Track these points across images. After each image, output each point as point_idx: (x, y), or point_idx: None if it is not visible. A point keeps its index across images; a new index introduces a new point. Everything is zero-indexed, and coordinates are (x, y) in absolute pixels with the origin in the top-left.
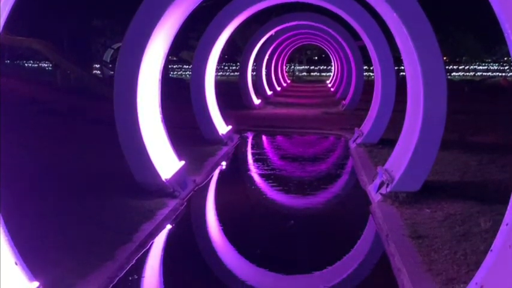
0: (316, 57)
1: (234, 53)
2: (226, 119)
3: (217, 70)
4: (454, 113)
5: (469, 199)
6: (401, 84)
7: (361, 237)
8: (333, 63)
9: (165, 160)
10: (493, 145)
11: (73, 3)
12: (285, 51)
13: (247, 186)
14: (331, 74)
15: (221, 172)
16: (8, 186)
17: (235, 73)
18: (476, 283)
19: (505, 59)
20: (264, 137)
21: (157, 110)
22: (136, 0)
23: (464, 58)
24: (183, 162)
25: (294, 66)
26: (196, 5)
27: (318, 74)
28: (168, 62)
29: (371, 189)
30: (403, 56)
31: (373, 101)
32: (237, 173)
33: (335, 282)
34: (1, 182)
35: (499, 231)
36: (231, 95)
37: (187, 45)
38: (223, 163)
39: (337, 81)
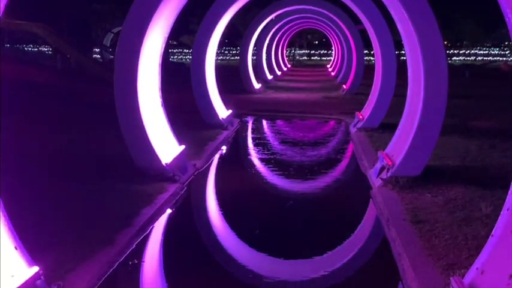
0: (316, 42)
1: (234, 38)
2: (227, 104)
3: (217, 54)
4: (455, 98)
5: (469, 184)
6: (402, 69)
7: (361, 222)
8: (333, 48)
9: (165, 144)
10: (493, 130)
11: None
12: (286, 35)
13: (247, 170)
14: (332, 59)
15: (221, 156)
16: (7, 170)
17: (236, 57)
18: (477, 268)
19: (506, 43)
20: (264, 122)
21: (157, 94)
22: None
23: (465, 43)
24: (183, 147)
25: (295, 50)
26: None
27: (319, 58)
28: (168, 46)
29: (371, 173)
30: (404, 40)
31: (373, 86)
32: (238, 158)
33: (335, 267)
34: (1, 166)
35: (499, 216)
36: (231, 79)
37: (188, 30)
38: (224, 147)
39: (338, 66)
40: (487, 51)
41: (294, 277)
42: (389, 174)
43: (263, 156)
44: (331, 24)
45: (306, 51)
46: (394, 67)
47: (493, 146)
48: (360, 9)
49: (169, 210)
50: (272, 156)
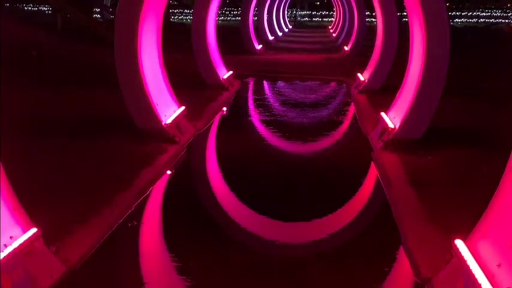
0: (318, 3)
1: None
2: (227, 64)
3: (218, 15)
4: (457, 60)
5: (471, 146)
6: (404, 30)
7: (362, 185)
8: (335, 9)
9: (166, 105)
10: (495, 92)
11: None
12: None
13: (248, 132)
14: (333, 20)
15: (222, 118)
16: (8, 130)
17: (237, 18)
18: (480, 230)
19: (508, 5)
20: (265, 83)
21: (158, 55)
22: None
23: (467, 4)
24: (183, 108)
25: (296, 11)
26: None
27: (320, 19)
28: (169, 6)
29: (373, 136)
30: (406, 1)
31: (375, 47)
32: (238, 119)
33: (335, 229)
34: (1, 128)
35: (502, 178)
36: (232, 40)
37: None
38: (224, 108)
39: (339, 27)
40: (489, 13)
41: (294, 240)
42: (390, 136)
43: (264, 118)
44: None
45: (308, 12)
46: (396, 28)
47: (495, 108)
48: None
49: (169, 172)
50: (273, 118)
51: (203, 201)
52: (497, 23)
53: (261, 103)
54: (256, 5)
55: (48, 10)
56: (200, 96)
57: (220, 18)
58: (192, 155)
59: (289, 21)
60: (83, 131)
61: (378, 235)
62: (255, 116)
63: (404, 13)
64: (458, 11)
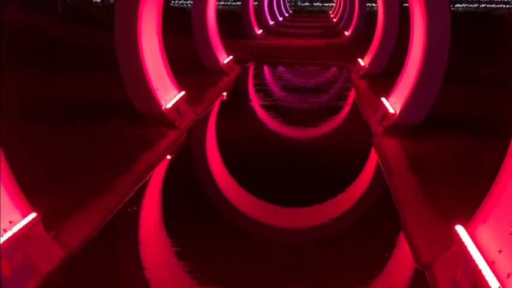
0: None
1: None
2: (228, 49)
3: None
4: (458, 46)
5: (472, 132)
6: (404, 15)
7: (362, 170)
8: None
9: (166, 90)
10: (497, 78)
11: None
12: None
13: (248, 117)
14: (334, 5)
15: (222, 102)
16: (8, 115)
17: (237, 3)
18: (480, 216)
19: None
20: (265, 67)
21: (158, 40)
22: None
23: None
24: (183, 93)
25: None
26: None
27: (321, 4)
28: None
29: (373, 121)
30: None
31: (375, 32)
32: (238, 104)
33: (336, 215)
34: (1, 113)
35: (502, 165)
36: (232, 25)
37: None
38: (224, 93)
39: (340, 12)
40: None
41: (294, 225)
42: (390, 122)
43: (264, 103)
44: None
45: None
46: (397, 14)
47: (496, 94)
48: None
49: (169, 157)
50: (273, 103)
51: (203, 186)
52: (498, 8)
53: (261, 88)
54: None
55: None
56: (200, 81)
57: (221, 3)
58: (192, 139)
59: (289, 6)
60: (83, 116)
61: (378, 221)
62: (255, 101)
63: None
64: None
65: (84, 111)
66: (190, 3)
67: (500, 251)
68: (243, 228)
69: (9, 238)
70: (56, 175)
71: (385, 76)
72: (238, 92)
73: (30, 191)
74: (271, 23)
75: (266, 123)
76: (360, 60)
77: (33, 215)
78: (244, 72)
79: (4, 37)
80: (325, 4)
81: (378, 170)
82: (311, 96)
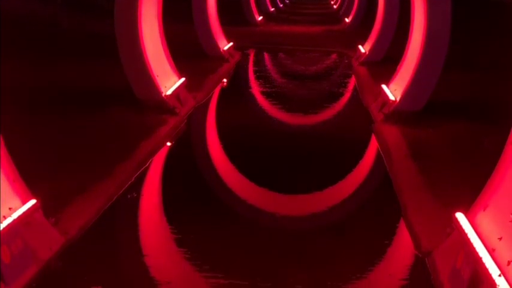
0: None
1: None
2: (228, 36)
3: None
4: (458, 31)
5: (472, 119)
6: (405, 1)
7: (363, 157)
8: None
9: (166, 76)
10: (496, 64)
11: None
12: None
13: (248, 103)
14: None
15: (222, 89)
16: (8, 101)
17: None
18: (480, 204)
19: None
20: (265, 54)
21: (158, 26)
22: None
23: None
24: (183, 79)
25: None
26: None
27: None
28: None
29: (373, 108)
30: None
31: (376, 19)
32: (239, 90)
33: (336, 202)
34: (1, 99)
35: (503, 152)
36: (232, 11)
37: None
38: (225, 80)
39: None
40: None
41: (294, 212)
42: (391, 108)
43: (264, 89)
44: None
45: None
46: (397, 0)
47: (497, 81)
48: None
49: (169, 143)
50: (273, 90)
51: (203, 173)
52: None
53: (262, 75)
54: None
55: None
56: (200, 68)
57: None
58: (192, 126)
59: None
60: (83, 102)
61: (378, 208)
62: (255, 88)
63: None
64: None
65: (84, 98)
66: None
67: (500, 239)
68: (242, 215)
69: (8, 224)
70: (55, 162)
71: (385, 63)
72: (238, 79)
73: (30, 178)
74: (272, 9)
75: (266, 110)
76: (360, 47)
77: (32, 201)
78: (245, 59)
79: (3, 23)
80: None
81: (378, 157)
82: (311, 82)
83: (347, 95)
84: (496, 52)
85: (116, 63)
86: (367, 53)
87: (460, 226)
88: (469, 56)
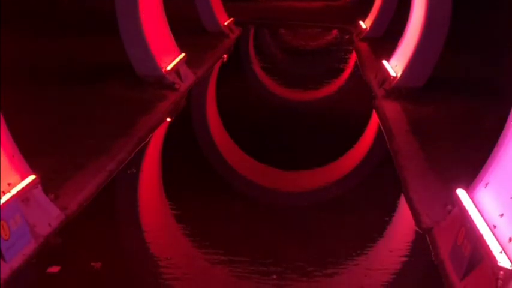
0: None
1: None
2: (228, 11)
3: None
4: (459, 10)
5: (473, 96)
6: None
7: (363, 133)
8: None
9: (166, 52)
10: (498, 43)
11: None
12: None
13: (249, 79)
14: None
15: (222, 65)
16: (7, 77)
17: None
18: (481, 180)
19: None
20: (266, 30)
21: (158, 1)
22: None
23: None
24: (183, 55)
25: None
26: None
27: None
28: None
29: (374, 84)
30: None
31: None
32: (239, 67)
33: (337, 178)
34: (0, 76)
35: (504, 129)
36: None
37: None
38: (225, 56)
39: None
40: None
41: (295, 188)
42: (392, 84)
43: (265, 65)
44: None
45: None
46: None
47: (498, 60)
48: None
49: (169, 119)
50: (274, 65)
51: (203, 148)
52: None
53: (262, 50)
54: None
55: None
56: (201, 43)
57: None
58: (193, 101)
59: None
60: (83, 78)
61: (379, 184)
62: (255, 63)
63: None
64: None
65: (84, 74)
66: None
67: (501, 215)
68: (243, 191)
69: (7, 200)
70: (55, 138)
71: (386, 39)
72: (238, 54)
73: (29, 153)
74: None
75: (267, 85)
76: (361, 22)
77: (32, 177)
78: (245, 35)
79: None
80: None
81: (379, 133)
82: (312, 58)
83: (348, 70)
84: (499, 29)
85: (116, 39)
86: (368, 28)
87: (461, 202)
88: (470, 34)
